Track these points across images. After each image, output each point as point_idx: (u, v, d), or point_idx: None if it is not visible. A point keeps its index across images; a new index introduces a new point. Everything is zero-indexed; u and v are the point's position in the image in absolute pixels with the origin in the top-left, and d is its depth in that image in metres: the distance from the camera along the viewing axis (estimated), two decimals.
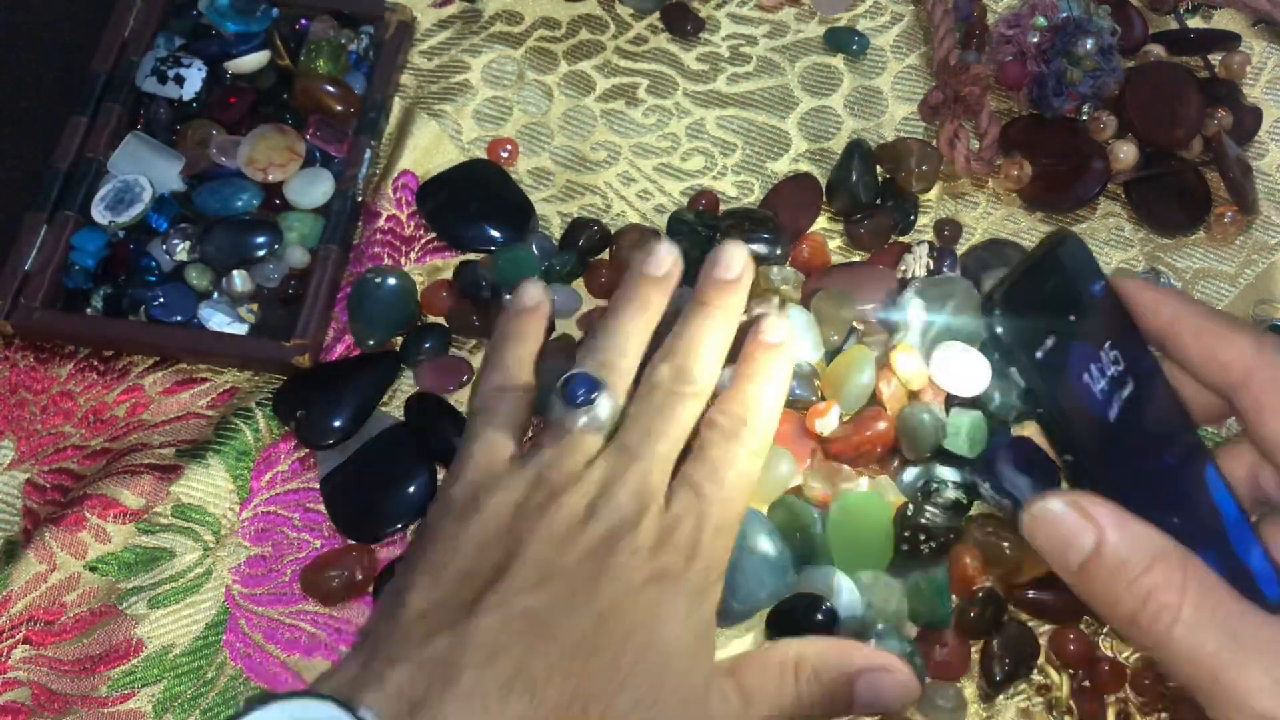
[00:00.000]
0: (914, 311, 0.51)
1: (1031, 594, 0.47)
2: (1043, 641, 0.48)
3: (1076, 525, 0.33)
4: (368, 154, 0.57)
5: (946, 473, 0.49)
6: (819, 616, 0.45)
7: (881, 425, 0.48)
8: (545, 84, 0.61)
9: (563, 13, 0.63)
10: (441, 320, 0.54)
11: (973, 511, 0.49)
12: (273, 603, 0.49)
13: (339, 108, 0.57)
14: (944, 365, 0.50)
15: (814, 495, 0.48)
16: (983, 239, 0.57)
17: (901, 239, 0.56)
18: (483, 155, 0.59)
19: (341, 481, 0.51)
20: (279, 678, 0.47)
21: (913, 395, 0.50)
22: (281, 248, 0.54)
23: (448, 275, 0.55)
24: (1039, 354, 0.34)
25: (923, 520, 0.47)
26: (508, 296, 0.53)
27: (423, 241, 0.56)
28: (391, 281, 0.54)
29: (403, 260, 0.56)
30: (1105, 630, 0.48)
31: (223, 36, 0.59)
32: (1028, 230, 0.57)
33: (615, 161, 0.59)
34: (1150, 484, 0.36)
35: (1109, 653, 0.47)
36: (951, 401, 0.50)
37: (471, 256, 0.56)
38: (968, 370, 0.50)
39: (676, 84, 0.61)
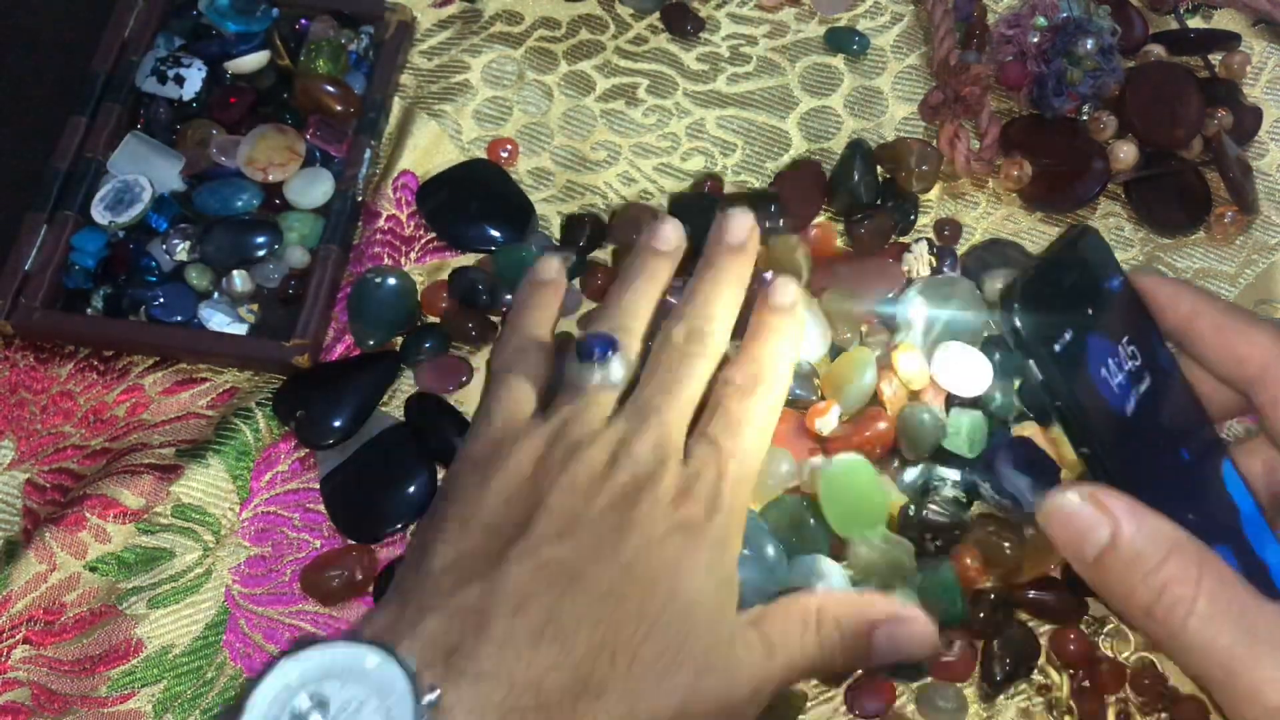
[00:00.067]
0: (915, 311, 0.51)
1: (1032, 594, 0.47)
2: (1043, 642, 0.48)
3: (1092, 518, 0.33)
4: (368, 154, 0.57)
5: (946, 473, 0.49)
6: None
7: (882, 425, 0.48)
8: (545, 84, 0.61)
9: (563, 13, 0.63)
10: (441, 321, 0.54)
11: (973, 511, 0.49)
12: (273, 603, 0.49)
13: (339, 108, 0.57)
14: (945, 365, 0.50)
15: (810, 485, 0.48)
16: (983, 239, 0.57)
17: (901, 239, 0.56)
18: (483, 155, 0.59)
19: (341, 481, 0.51)
20: None
21: (913, 395, 0.50)
22: (281, 248, 0.54)
23: (447, 275, 0.55)
24: (1057, 347, 0.35)
25: (926, 515, 0.47)
26: (508, 297, 0.53)
27: (423, 241, 0.56)
28: (391, 281, 0.54)
29: (403, 260, 0.56)
30: (1105, 631, 0.48)
31: (223, 36, 0.59)
32: (1028, 230, 0.57)
33: (615, 161, 0.59)
34: (1166, 478, 0.37)
35: (1109, 653, 0.47)
36: (952, 401, 0.50)
37: (468, 261, 0.56)
38: (969, 370, 0.50)
39: (676, 84, 0.61)
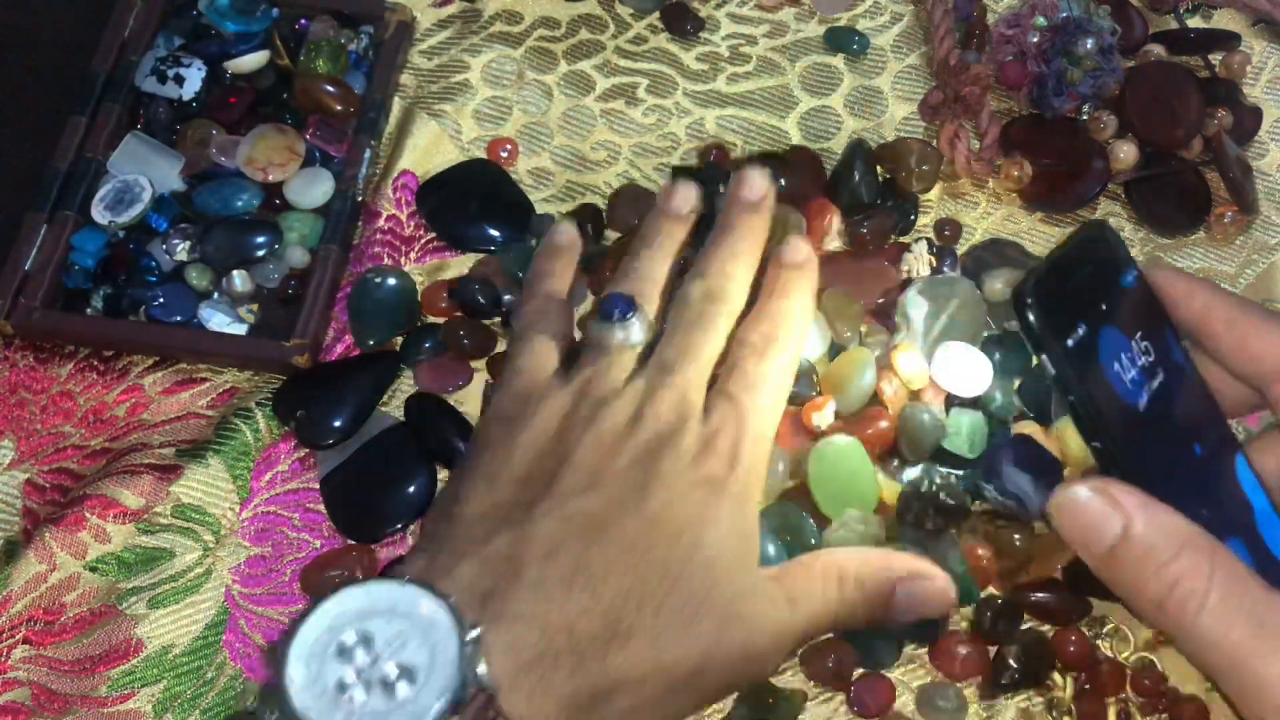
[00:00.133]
0: (915, 311, 0.51)
1: (1034, 596, 0.47)
2: None
3: (1103, 512, 0.33)
4: (367, 154, 0.57)
5: (948, 472, 0.49)
6: None
7: (883, 424, 0.48)
8: (545, 84, 0.61)
9: (563, 12, 0.63)
10: (441, 320, 0.54)
11: (975, 507, 0.49)
12: (272, 603, 0.49)
13: (339, 107, 0.57)
14: (945, 365, 0.50)
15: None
16: (983, 239, 0.57)
17: (901, 239, 0.56)
18: (483, 155, 0.59)
19: (341, 481, 0.51)
20: None
21: (914, 395, 0.50)
22: (281, 248, 0.54)
23: (448, 275, 0.55)
24: (1070, 342, 0.35)
25: (933, 490, 0.47)
26: (508, 298, 0.53)
27: (423, 241, 0.56)
28: (391, 281, 0.54)
29: (403, 260, 0.56)
30: (1105, 631, 0.48)
31: (223, 36, 0.59)
32: (1028, 230, 0.57)
33: (615, 161, 0.59)
34: (1179, 474, 0.37)
35: (1109, 653, 0.47)
36: (952, 401, 0.50)
37: (468, 261, 0.56)
38: (969, 370, 0.50)
39: (676, 84, 0.61)
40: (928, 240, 0.55)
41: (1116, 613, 0.48)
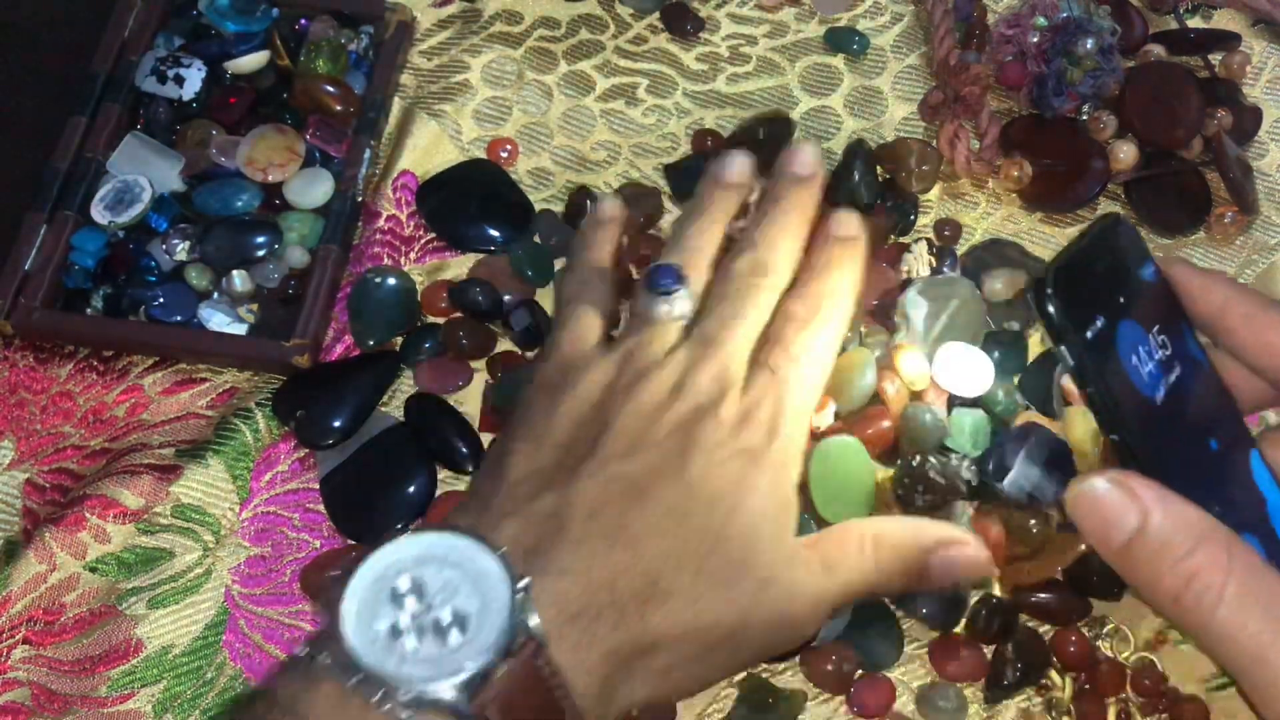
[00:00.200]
0: (915, 311, 0.51)
1: (1034, 597, 0.47)
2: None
3: (1121, 504, 0.33)
4: (367, 154, 0.57)
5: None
6: None
7: (884, 424, 0.48)
8: (545, 84, 0.61)
9: (563, 13, 0.63)
10: (441, 321, 0.54)
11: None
12: (272, 603, 0.49)
13: (339, 107, 0.57)
14: (946, 365, 0.50)
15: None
16: (983, 239, 0.57)
17: (901, 239, 0.56)
18: (483, 155, 0.59)
19: (341, 481, 0.51)
20: None
21: (915, 395, 0.50)
22: (281, 248, 0.54)
23: (448, 275, 0.55)
24: (1089, 334, 0.35)
25: (925, 469, 0.46)
26: (508, 298, 0.53)
27: (423, 241, 0.56)
28: (391, 281, 0.54)
29: (403, 260, 0.56)
30: (1105, 631, 0.48)
31: (223, 36, 0.59)
32: (1028, 230, 0.57)
33: (615, 161, 0.59)
34: (1194, 467, 0.37)
35: (1109, 654, 0.47)
36: (954, 402, 0.50)
37: (468, 261, 0.56)
38: (970, 370, 0.50)
39: (676, 84, 0.61)
40: (928, 240, 0.55)
41: (1117, 613, 0.48)
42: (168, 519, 0.50)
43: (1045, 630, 0.48)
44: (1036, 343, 0.52)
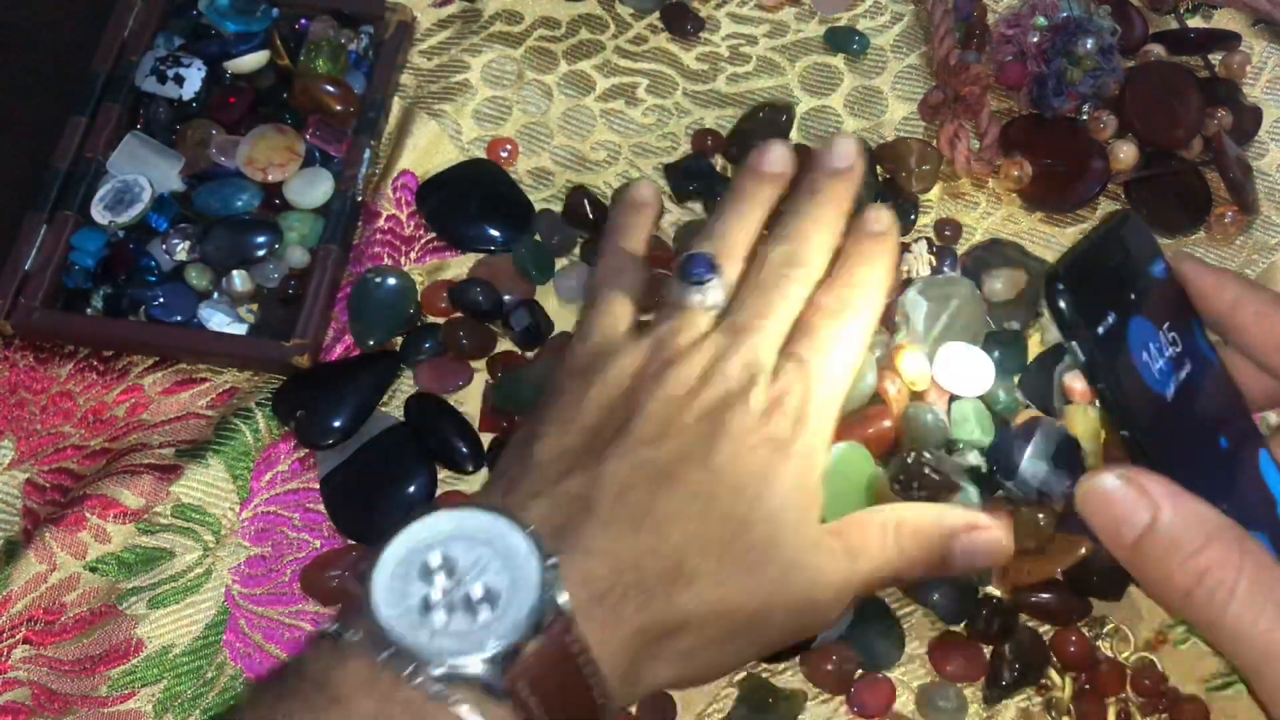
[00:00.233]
0: (915, 311, 0.51)
1: (1034, 597, 0.47)
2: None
3: (1131, 501, 0.33)
4: (367, 154, 0.57)
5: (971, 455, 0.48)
6: None
7: (885, 424, 0.48)
8: (545, 84, 0.61)
9: (563, 12, 0.63)
10: (441, 321, 0.54)
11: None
12: (272, 603, 0.49)
13: (339, 107, 0.57)
14: (947, 365, 0.50)
15: None
16: (983, 239, 0.57)
17: (901, 239, 0.56)
18: (483, 155, 0.59)
19: (341, 481, 0.51)
20: None
21: (916, 395, 0.50)
22: (281, 248, 0.54)
23: (448, 275, 0.55)
24: (1100, 330, 0.35)
25: (921, 464, 0.46)
26: (508, 298, 0.53)
27: (423, 241, 0.56)
28: (391, 281, 0.54)
29: (403, 260, 0.56)
30: (1105, 631, 0.48)
31: (222, 36, 0.59)
32: (1028, 230, 0.57)
33: (615, 161, 0.59)
34: (1204, 465, 0.37)
35: (1109, 654, 0.47)
36: (954, 402, 0.50)
37: (468, 261, 0.56)
38: (971, 370, 0.50)
39: (676, 84, 0.61)
40: (928, 240, 0.55)
41: (1117, 613, 0.48)
42: (168, 519, 0.50)
43: (1045, 630, 0.48)
44: (1036, 342, 0.52)
